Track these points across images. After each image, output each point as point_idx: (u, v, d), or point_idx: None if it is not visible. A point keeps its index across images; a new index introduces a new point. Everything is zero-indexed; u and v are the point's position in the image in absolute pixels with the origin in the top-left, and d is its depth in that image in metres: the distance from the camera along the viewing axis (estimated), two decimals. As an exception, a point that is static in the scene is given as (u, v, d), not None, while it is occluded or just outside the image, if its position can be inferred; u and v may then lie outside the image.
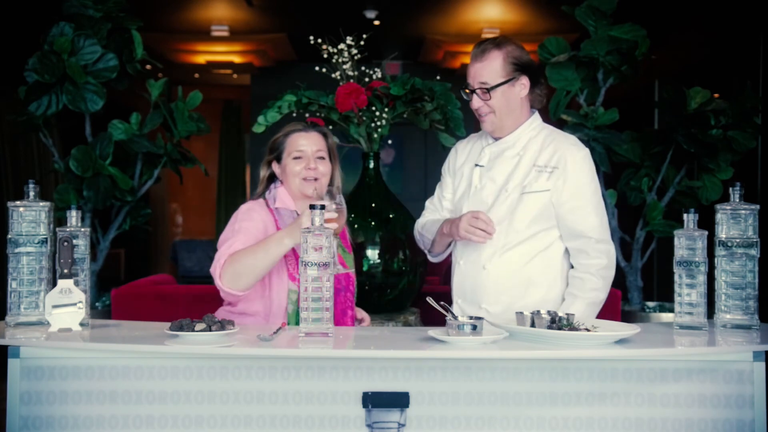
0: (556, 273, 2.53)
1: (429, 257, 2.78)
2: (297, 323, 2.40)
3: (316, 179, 2.51)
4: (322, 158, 2.53)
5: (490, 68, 2.49)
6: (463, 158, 2.70)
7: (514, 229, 2.49)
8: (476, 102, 2.52)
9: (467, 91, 2.54)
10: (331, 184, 2.56)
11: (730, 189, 2.25)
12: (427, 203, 2.81)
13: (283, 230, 2.34)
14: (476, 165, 2.62)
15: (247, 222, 2.44)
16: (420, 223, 2.78)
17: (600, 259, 2.49)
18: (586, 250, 2.50)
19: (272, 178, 2.61)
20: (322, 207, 2.08)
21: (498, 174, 2.55)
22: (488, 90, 2.49)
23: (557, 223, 2.51)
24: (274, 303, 2.45)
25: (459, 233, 2.44)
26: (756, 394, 2.06)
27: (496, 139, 2.60)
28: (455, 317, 2.08)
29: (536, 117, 2.61)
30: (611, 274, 2.52)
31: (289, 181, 2.53)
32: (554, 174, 2.48)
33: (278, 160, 2.57)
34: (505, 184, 2.53)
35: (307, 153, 2.51)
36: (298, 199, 2.53)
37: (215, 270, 2.32)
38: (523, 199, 2.49)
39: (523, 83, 2.52)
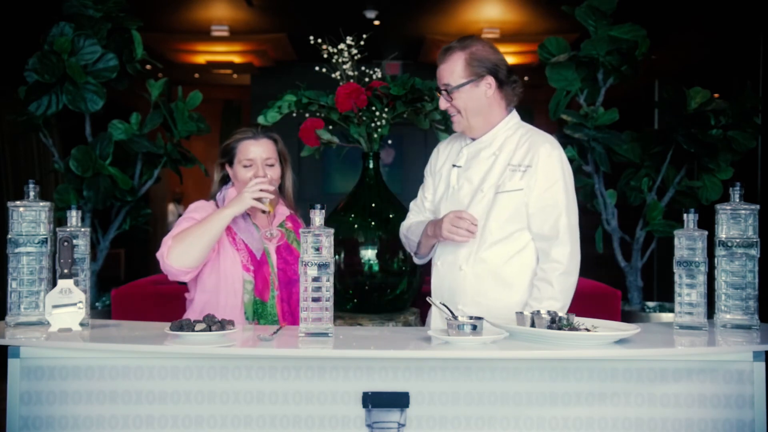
0: (533, 275, 2.45)
1: (415, 259, 2.74)
2: (254, 312, 2.49)
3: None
4: (272, 165, 2.59)
5: (450, 69, 2.48)
6: (443, 159, 2.68)
7: (488, 230, 2.44)
8: (442, 103, 2.52)
9: (438, 93, 2.54)
10: (282, 187, 2.64)
11: (730, 189, 2.25)
12: (411, 205, 2.79)
13: (226, 204, 2.47)
14: (454, 165, 2.60)
15: (192, 213, 2.55)
16: (405, 226, 2.75)
17: (557, 263, 2.39)
18: (547, 252, 2.42)
19: (225, 179, 2.69)
20: (322, 207, 2.10)
21: (474, 174, 2.52)
22: (449, 91, 2.48)
23: (527, 223, 2.44)
24: (230, 295, 2.49)
25: (442, 234, 2.42)
26: (756, 394, 2.06)
27: (474, 139, 2.57)
28: (455, 317, 2.09)
29: (513, 116, 2.56)
30: (570, 281, 2.41)
31: (239, 187, 2.59)
32: (527, 173, 2.44)
33: (230, 163, 2.63)
34: (480, 185, 2.50)
35: (256, 161, 2.57)
36: None
37: (162, 253, 2.40)
38: (498, 199, 2.45)
39: (488, 83, 2.47)
